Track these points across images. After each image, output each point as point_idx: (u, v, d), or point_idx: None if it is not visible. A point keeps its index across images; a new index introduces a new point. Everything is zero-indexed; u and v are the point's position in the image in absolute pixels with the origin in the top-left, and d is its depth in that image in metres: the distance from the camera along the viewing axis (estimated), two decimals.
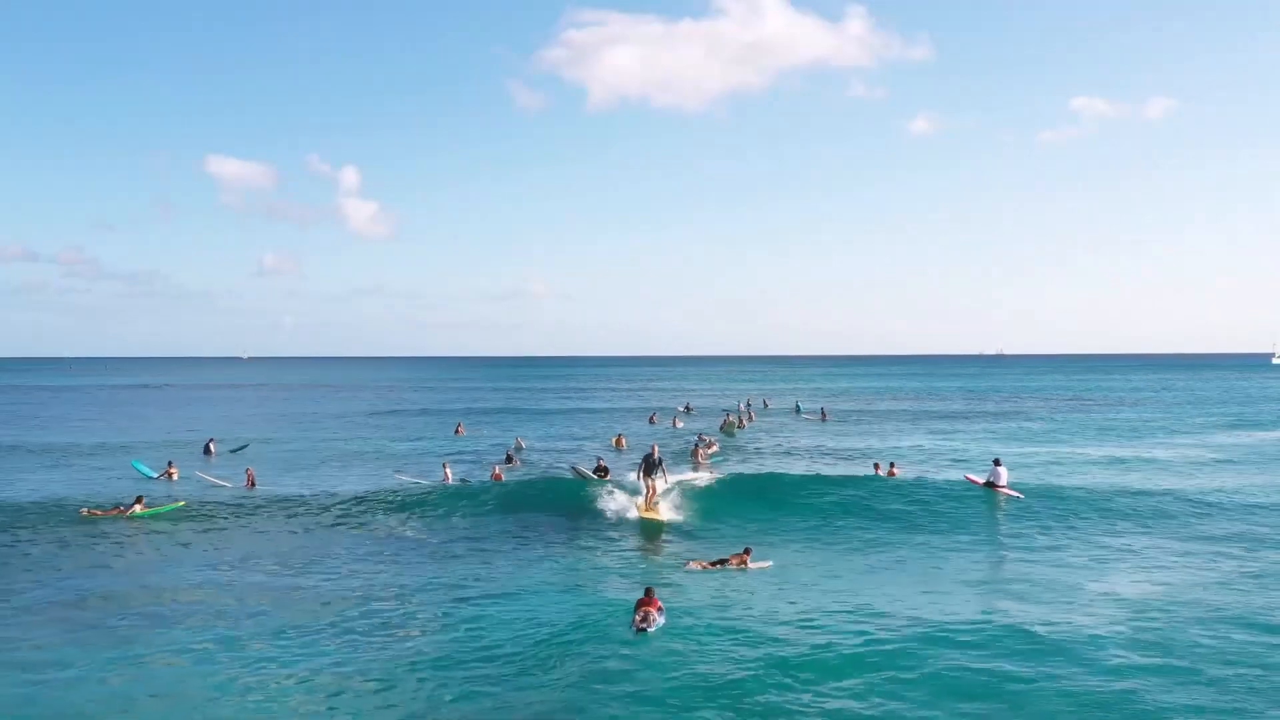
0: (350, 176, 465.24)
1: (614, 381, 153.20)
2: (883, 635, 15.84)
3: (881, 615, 17.10)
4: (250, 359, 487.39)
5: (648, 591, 16.99)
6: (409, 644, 15.77)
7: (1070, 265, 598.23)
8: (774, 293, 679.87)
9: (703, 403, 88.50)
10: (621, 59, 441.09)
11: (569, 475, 33.70)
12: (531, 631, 16.20)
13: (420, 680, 14.07)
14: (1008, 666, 14.36)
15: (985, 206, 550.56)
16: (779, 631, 16.19)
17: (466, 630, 16.47)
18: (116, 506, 27.01)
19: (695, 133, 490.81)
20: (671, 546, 24.03)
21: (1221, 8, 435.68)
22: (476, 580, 20.17)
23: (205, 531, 25.23)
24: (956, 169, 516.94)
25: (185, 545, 23.65)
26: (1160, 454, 44.37)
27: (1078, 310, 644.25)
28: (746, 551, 21.87)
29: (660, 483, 27.15)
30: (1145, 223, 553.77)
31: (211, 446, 44.98)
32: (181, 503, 27.37)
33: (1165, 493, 30.51)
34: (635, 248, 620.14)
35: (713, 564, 21.67)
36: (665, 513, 26.57)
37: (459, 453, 45.94)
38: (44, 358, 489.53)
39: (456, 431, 58.55)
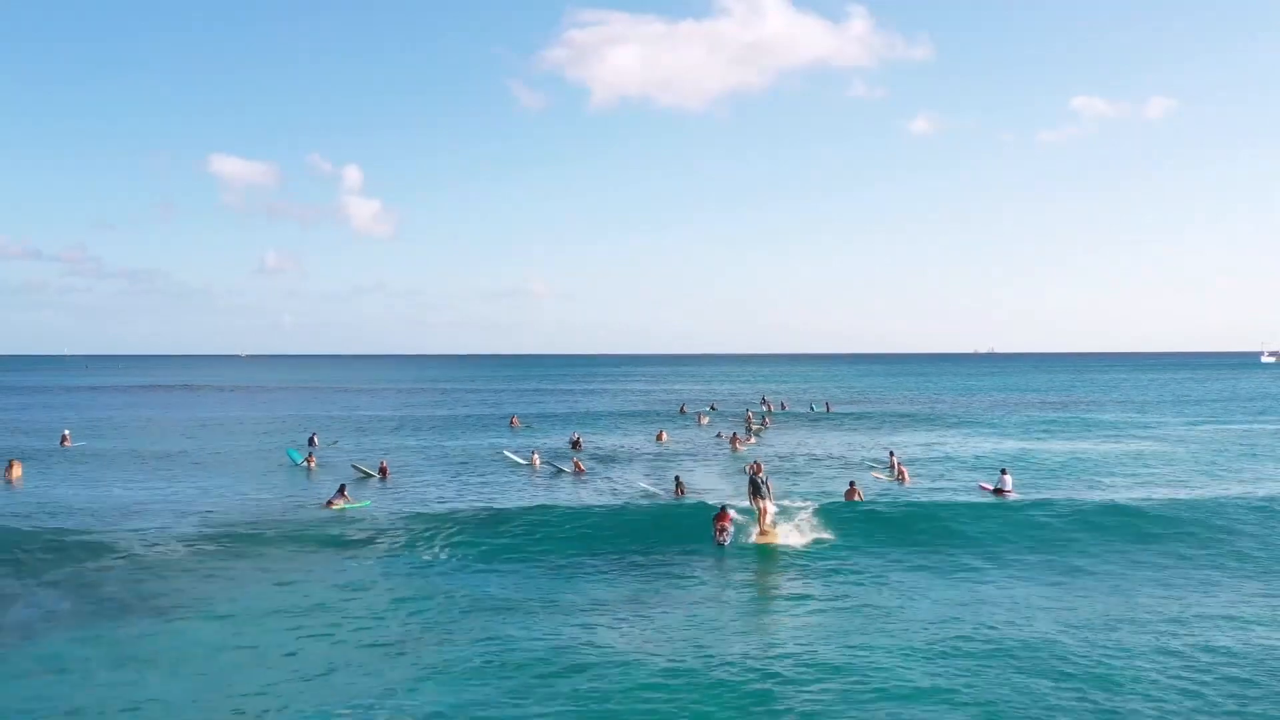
0: (352, 176, 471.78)
1: (623, 381, 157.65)
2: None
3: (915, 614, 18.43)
4: (249, 357, 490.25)
5: (723, 509, 23.09)
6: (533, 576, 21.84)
7: (1070, 265, 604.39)
8: (774, 293, 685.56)
9: (717, 400, 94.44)
10: (623, 59, 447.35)
11: (642, 499, 32.78)
12: (642, 565, 22.62)
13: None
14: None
15: (985, 206, 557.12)
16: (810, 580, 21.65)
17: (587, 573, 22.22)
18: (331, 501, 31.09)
19: (695, 133, 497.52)
20: (787, 570, 22.90)
21: (1221, 8, 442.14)
22: (590, 593, 20.78)
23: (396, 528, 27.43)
24: (956, 169, 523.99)
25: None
26: (1144, 453, 50.26)
27: (1077, 310, 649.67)
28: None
29: (770, 504, 25.24)
30: (1145, 223, 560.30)
31: (315, 439, 50.64)
32: (368, 502, 31.63)
33: (1148, 500, 29.90)
34: (635, 248, 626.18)
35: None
36: (783, 535, 24.74)
37: (523, 444, 51.21)
38: (45, 355, 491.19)
39: (511, 424, 64.33)
